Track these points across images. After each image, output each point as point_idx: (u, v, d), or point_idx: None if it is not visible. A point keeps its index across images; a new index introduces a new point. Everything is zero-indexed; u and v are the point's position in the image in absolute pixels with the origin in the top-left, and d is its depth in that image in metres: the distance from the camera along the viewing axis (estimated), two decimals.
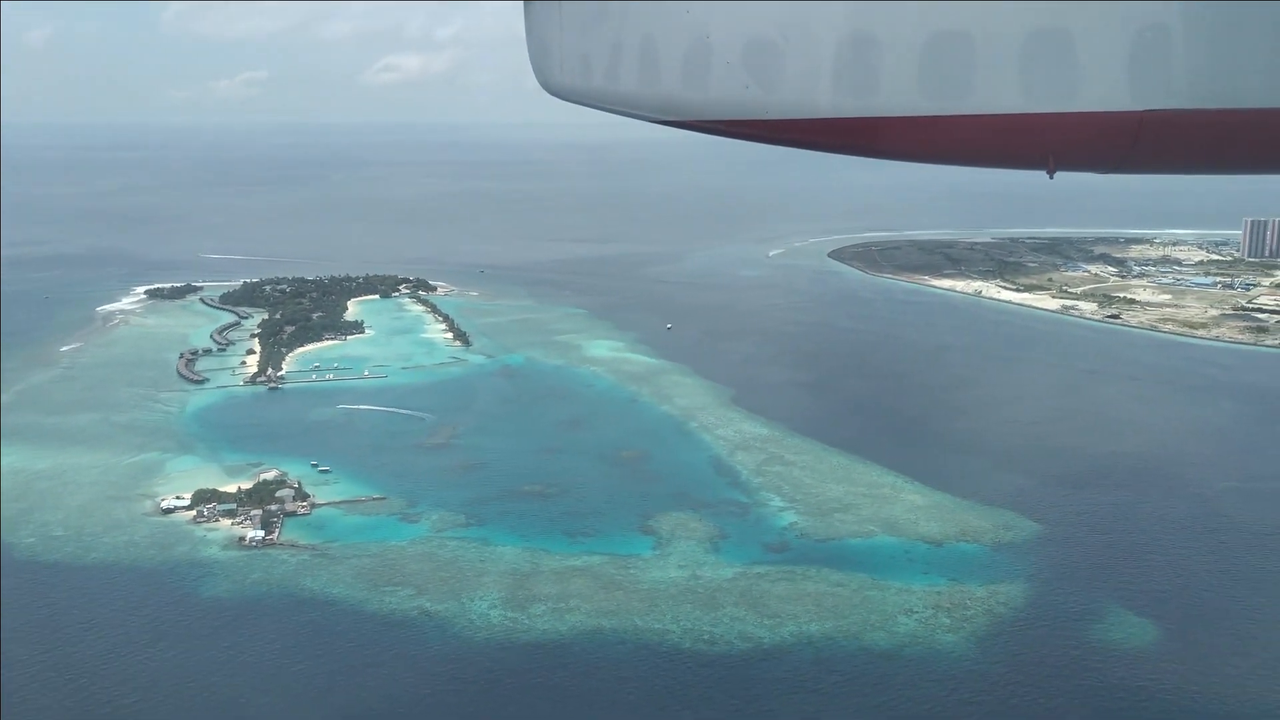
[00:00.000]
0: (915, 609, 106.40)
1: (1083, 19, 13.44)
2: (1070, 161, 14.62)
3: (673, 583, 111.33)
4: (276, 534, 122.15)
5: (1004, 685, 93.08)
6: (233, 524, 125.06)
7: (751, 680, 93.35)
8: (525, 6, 20.42)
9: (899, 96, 14.58)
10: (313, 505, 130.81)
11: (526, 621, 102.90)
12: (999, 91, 13.91)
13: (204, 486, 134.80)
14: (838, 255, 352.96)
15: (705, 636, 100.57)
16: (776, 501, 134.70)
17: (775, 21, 15.45)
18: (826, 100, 15.19)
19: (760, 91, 15.75)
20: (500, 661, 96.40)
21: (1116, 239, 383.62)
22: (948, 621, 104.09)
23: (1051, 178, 15.11)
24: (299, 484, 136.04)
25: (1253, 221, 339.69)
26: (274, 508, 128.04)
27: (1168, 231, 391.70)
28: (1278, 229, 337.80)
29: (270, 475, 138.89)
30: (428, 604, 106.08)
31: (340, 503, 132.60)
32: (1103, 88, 13.51)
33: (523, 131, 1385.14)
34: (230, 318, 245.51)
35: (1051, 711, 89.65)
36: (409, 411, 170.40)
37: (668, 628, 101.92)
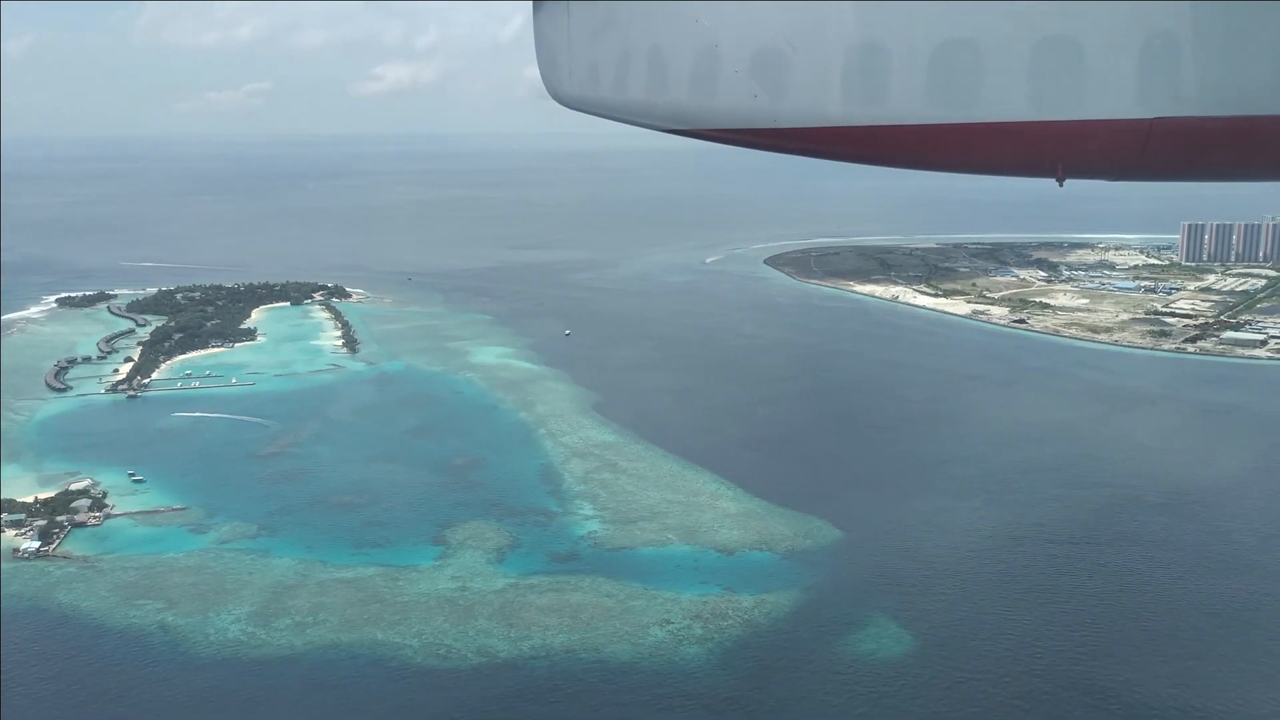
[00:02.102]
0: (673, 619, 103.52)
1: (1092, 26, 13.30)
2: (1080, 169, 14.42)
3: (436, 595, 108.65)
4: (54, 546, 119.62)
5: (724, 698, 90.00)
6: (16, 535, 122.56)
7: (467, 696, 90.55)
8: (534, 14, 20.26)
9: (907, 105, 14.52)
10: (107, 516, 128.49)
11: (263, 636, 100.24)
12: (1008, 99, 13.85)
13: (8, 497, 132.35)
14: (773, 261, 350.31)
15: (441, 650, 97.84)
16: (586, 510, 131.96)
17: (783, 30, 15.39)
18: (835, 109, 15.12)
19: (768, 100, 15.70)
20: (218, 678, 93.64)
21: (1061, 244, 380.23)
22: (700, 632, 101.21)
23: (1061, 186, 15.06)
24: (103, 494, 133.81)
25: (1190, 225, 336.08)
26: (64, 518, 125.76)
27: (1112, 236, 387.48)
28: (1215, 233, 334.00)
29: (81, 485, 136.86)
30: (171, 618, 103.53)
31: (138, 513, 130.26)
32: (1112, 95, 13.36)
33: (514, 141, 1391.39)
34: (128, 325, 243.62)
35: None
36: (253, 419, 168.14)
37: (406, 642, 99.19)
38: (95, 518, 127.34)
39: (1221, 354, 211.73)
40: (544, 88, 20.61)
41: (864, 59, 14.70)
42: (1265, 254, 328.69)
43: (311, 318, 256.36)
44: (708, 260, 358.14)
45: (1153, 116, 13.21)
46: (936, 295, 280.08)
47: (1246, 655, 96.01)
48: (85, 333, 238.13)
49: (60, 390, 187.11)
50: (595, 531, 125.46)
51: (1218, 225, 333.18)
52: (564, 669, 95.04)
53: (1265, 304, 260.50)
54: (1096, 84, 13.38)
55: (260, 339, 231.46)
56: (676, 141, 18.99)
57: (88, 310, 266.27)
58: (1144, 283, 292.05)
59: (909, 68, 14.31)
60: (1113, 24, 13.25)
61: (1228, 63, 12.95)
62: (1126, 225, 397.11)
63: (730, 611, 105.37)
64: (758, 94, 15.69)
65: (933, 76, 14.17)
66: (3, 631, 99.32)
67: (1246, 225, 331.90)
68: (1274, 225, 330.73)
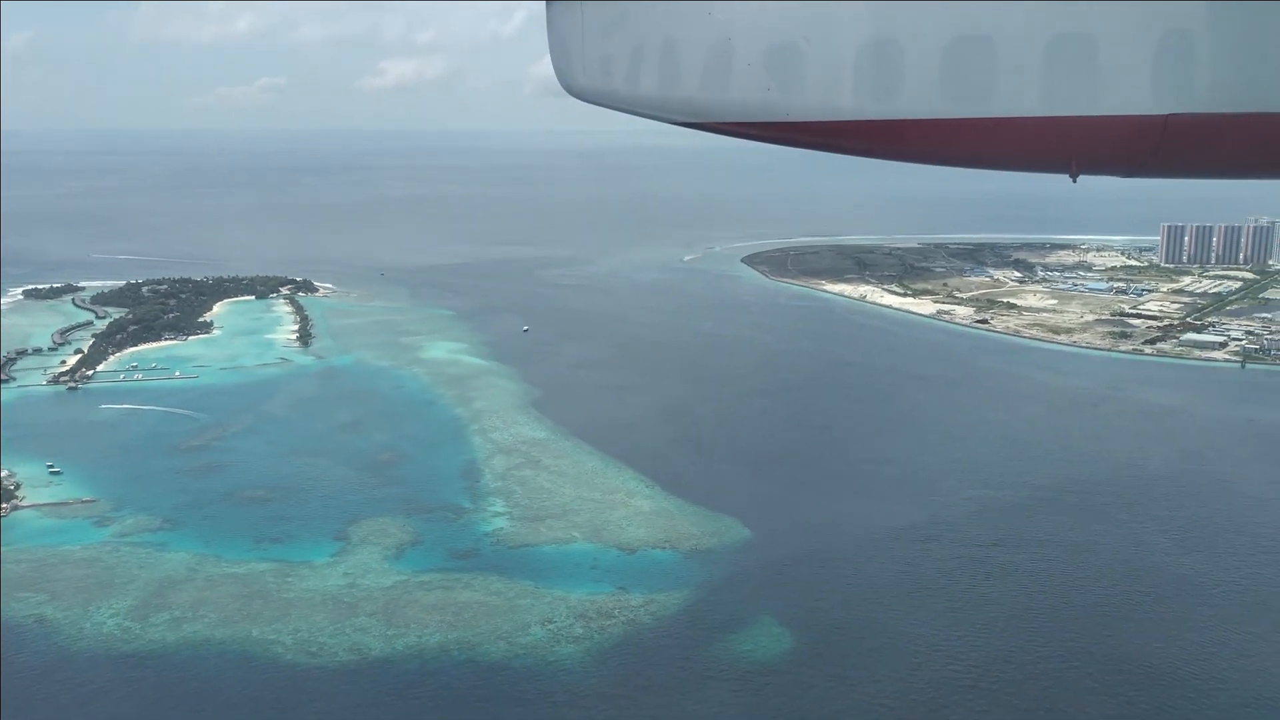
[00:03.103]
0: (556, 619, 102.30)
1: (1106, 22, 13.24)
2: (1093, 165, 14.40)
3: (323, 591, 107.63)
4: None
5: (588, 696, 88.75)
6: None
7: (329, 694, 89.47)
8: (547, 8, 20.19)
9: (921, 99, 14.45)
10: (14, 508, 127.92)
11: (137, 631, 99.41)
12: (1021, 95, 13.77)
13: None
14: (750, 260, 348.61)
15: (313, 648, 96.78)
16: (497, 507, 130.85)
17: (797, 24, 15.35)
18: (848, 102, 15.09)
19: (781, 93, 15.65)
20: (84, 673, 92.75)
21: (1044, 245, 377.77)
22: (580, 632, 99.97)
23: (1075, 181, 15.01)
24: (16, 485, 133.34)
25: (1169, 227, 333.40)
26: None
27: (1097, 237, 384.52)
28: (1195, 235, 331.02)
29: None
30: (50, 611, 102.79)
31: (46, 505, 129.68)
32: (1126, 91, 13.27)
33: (524, 139, 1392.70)
34: (88, 317, 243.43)
35: None
36: (184, 412, 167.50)
37: (279, 639, 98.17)
38: (3, 509, 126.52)
39: (1178, 356, 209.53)
40: (557, 82, 20.62)
41: (877, 53, 14.62)
42: (1246, 256, 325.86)
43: (273, 312, 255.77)
44: (686, 258, 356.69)
45: (1167, 113, 13.05)
46: (905, 295, 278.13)
47: (1134, 658, 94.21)
48: (45, 324, 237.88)
49: (2, 382, 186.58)
50: (501, 529, 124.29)
51: (1197, 227, 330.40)
52: (433, 668, 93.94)
53: (1234, 306, 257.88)
54: (1111, 79, 13.28)
55: (216, 332, 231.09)
56: (689, 139, 20.10)
57: (52, 302, 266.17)
58: (1116, 284, 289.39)
59: (922, 62, 14.24)
60: (1127, 19, 13.13)
61: (1243, 59, 12.82)
62: (1115, 227, 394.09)
63: (616, 611, 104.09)
64: (770, 87, 15.66)
65: (946, 71, 14.10)
66: None
67: (1227, 227, 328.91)
68: (1255, 227, 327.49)
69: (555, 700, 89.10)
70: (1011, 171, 15.62)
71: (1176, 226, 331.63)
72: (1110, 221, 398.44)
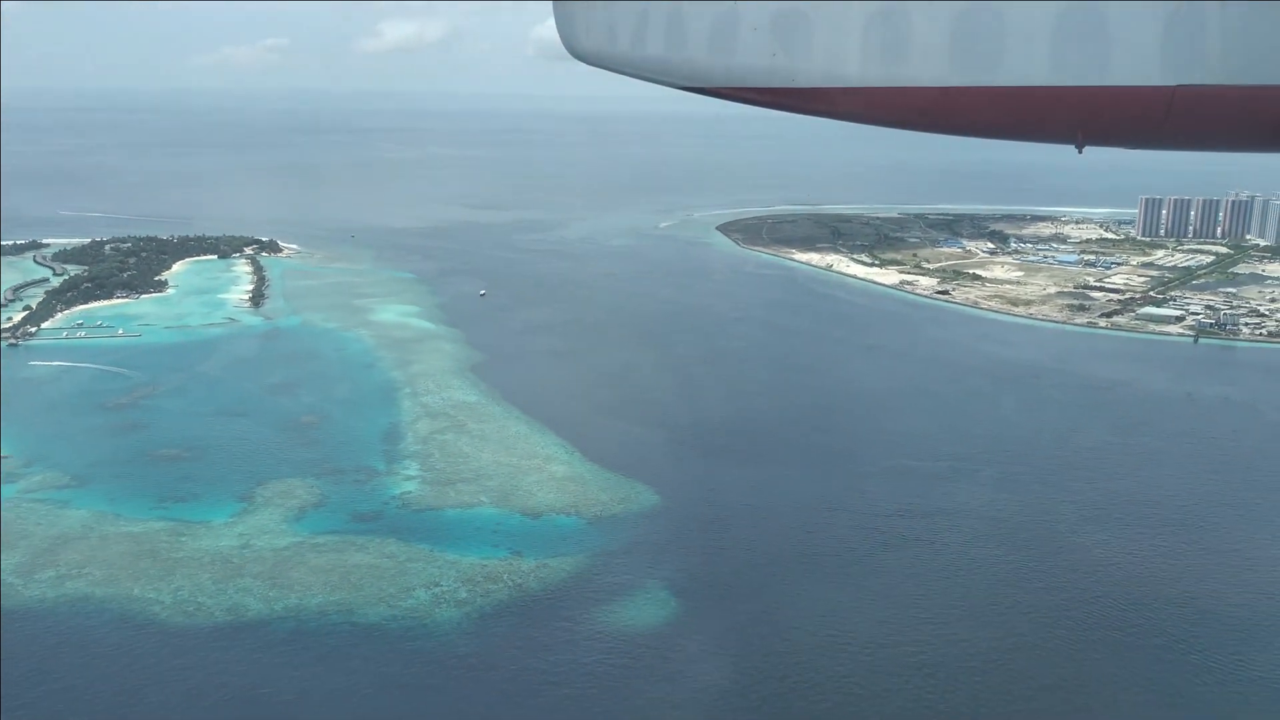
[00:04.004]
0: (442, 582, 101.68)
1: None
2: (1100, 137, 14.14)
3: (213, 552, 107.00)
4: None
5: (455, 660, 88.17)
6: None
7: (195, 652, 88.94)
8: None
9: (927, 67, 14.25)
10: None
11: (19, 588, 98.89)
12: (1028, 64, 13.57)
13: None
14: (725, 228, 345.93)
15: (190, 608, 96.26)
16: (411, 470, 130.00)
17: None
18: (853, 69, 14.86)
19: (787, 59, 15.44)
20: None
21: (1024, 216, 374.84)
22: (464, 596, 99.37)
23: (1080, 152, 14.80)
24: None
25: (1147, 200, 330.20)
26: None
27: (1079, 210, 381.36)
28: (1173, 208, 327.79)
29: None
30: None
31: None
32: (1134, 62, 13.08)
33: (528, 102, 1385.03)
34: (45, 274, 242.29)
35: (495, 693, 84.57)
36: (118, 370, 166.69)
37: (159, 598, 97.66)
38: None
39: (1133, 330, 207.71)
40: (560, 45, 20.34)
41: (884, 20, 14.48)
42: (1224, 230, 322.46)
43: (232, 271, 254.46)
44: (662, 225, 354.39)
45: (1175, 84, 12.86)
46: (872, 265, 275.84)
47: (1025, 629, 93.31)
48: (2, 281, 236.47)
49: None
50: (409, 492, 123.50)
51: (1175, 200, 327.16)
52: (308, 629, 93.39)
53: (1201, 280, 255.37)
54: (1118, 50, 13.08)
55: (170, 291, 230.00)
56: (696, 105, 18.81)
57: (13, 259, 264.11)
58: (1087, 257, 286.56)
59: (929, 30, 14.07)
60: None
61: (1252, 31, 12.58)
62: (1101, 199, 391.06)
63: (506, 575, 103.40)
64: (776, 53, 15.47)
65: (953, 39, 13.91)
66: None
67: (1205, 201, 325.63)
68: (1233, 201, 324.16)
69: (425, 660, 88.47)
70: (1017, 141, 15.37)
71: (1154, 199, 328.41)
72: (1099, 194, 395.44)
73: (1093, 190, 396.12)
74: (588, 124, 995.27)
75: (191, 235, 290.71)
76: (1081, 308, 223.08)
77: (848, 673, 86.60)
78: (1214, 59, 12.70)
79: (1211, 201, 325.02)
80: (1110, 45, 13.10)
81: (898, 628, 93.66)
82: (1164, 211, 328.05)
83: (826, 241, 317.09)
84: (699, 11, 16.29)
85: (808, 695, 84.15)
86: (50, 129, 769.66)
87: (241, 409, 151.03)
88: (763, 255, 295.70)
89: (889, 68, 14.48)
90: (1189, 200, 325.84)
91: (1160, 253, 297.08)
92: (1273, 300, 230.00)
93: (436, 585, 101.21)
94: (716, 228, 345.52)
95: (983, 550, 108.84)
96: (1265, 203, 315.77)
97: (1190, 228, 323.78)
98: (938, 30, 13.99)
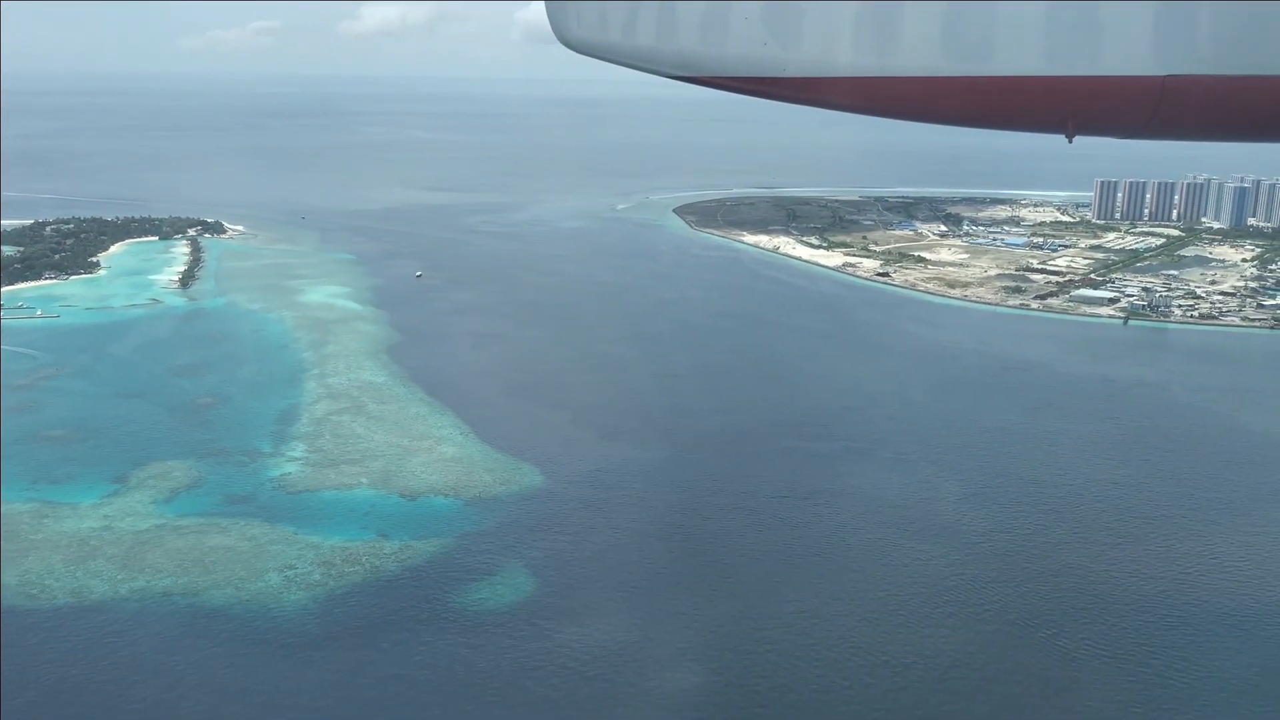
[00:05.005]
0: (298, 565, 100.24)
1: None
2: (1090, 127, 14.20)
3: (72, 534, 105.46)
4: None
5: (295, 641, 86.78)
6: None
7: (30, 632, 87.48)
8: None
9: (918, 56, 14.23)
10: None
11: None
12: (1019, 53, 13.52)
13: None
14: (681, 210, 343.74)
15: (33, 590, 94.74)
16: (296, 452, 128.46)
17: None
18: (844, 59, 14.83)
19: (778, 49, 15.41)
20: None
21: (984, 199, 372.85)
22: (317, 578, 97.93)
23: (1071, 142, 14.83)
24: None
25: (1103, 182, 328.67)
26: None
27: (1039, 193, 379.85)
28: (1128, 191, 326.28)
29: None
30: None
31: None
32: (1125, 52, 13.07)
33: (515, 87, 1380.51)
34: None
35: (334, 673, 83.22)
36: (24, 351, 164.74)
37: (5, 581, 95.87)
38: None
39: (1064, 312, 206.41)
40: (547, 29, 20.20)
41: (875, 9, 14.48)
42: (1179, 213, 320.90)
43: (170, 253, 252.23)
44: (619, 206, 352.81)
45: (1166, 74, 12.84)
46: (819, 247, 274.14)
47: (883, 606, 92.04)
48: None
49: None
50: (289, 474, 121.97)
51: (1131, 183, 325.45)
52: (148, 612, 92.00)
53: (1144, 263, 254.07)
54: (1109, 40, 13.06)
55: (101, 272, 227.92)
56: (684, 88, 18.71)
57: None
58: (1035, 239, 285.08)
59: (920, 19, 14.06)
60: None
61: (1243, 21, 12.54)
62: (1064, 183, 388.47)
63: (365, 557, 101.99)
64: (767, 42, 15.41)
65: (944, 28, 13.90)
66: None
67: (1160, 183, 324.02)
68: (1189, 184, 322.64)
69: (262, 644, 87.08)
70: (1007, 131, 15.18)
71: (1109, 182, 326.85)
72: (1064, 178, 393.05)
73: (1060, 174, 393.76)
74: (569, 108, 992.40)
75: (136, 217, 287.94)
76: (1018, 290, 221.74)
77: (689, 646, 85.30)
78: (1204, 49, 12.66)
79: (1167, 184, 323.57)
80: (1101, 35, 13.07)
81: (751, 603, 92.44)
82: (1120, 194, 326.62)
83: (780, 224, 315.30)
84: (691, 1, 16.29)
85: (663, 671, 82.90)
86: (33, 113, 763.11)
87: (141, 391, 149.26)
88: (713, 238, 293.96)
89: (879, 58, 14.44)
90: (1144, 183, 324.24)
91: (1111, 235, 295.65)
92: (1212, 283, 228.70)
93: (291, 568, 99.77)
94: (673, 210, 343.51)
95: (855, 533, 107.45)
96: (1220, 185, 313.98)
97: (1146, 210, 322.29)
98: (928, 20, 13.96)
